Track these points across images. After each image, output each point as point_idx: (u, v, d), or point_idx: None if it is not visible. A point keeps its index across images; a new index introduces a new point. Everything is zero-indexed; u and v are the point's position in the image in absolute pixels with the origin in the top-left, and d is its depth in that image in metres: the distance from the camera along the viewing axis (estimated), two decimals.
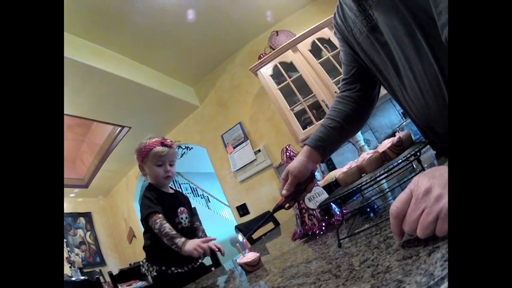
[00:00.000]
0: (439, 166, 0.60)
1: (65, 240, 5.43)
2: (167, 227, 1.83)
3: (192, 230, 2.14)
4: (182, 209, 2.10)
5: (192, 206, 2.38)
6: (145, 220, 1.91)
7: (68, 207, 5.90)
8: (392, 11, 0.98)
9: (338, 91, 3.31)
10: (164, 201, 2.02)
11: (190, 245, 1.76)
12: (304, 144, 1.31)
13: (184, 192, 8.65)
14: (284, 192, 1.18)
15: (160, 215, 1.87)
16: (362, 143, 3.10)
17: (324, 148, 1.29)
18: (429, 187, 0.55)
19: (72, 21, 3.30)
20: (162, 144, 2.10)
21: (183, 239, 1.80)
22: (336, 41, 3.75)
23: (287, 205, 1.21)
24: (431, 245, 0.53)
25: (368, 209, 1.13)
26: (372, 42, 1.15)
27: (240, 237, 1.58)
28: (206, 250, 1.81)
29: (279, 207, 1.21)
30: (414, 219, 0.55)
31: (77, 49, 3.41)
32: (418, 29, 0.93)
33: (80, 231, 6.06)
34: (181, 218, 2.05)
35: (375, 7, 1.04)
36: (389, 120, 3.92)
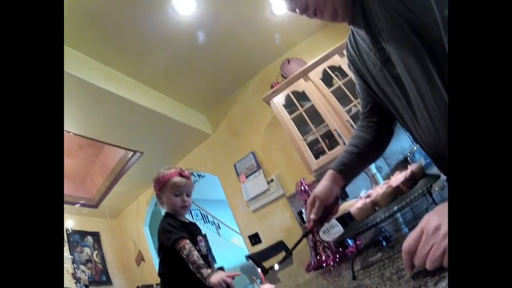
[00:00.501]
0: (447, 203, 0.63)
1: (71, 256, 5.42)
2: (195, 254, 1.86)
3: (210, 259, 2.16)
4: (200, 237, 2.14)
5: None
6: (171, 245, 1.92)
7: (76, 225, 5.88)
8: (405, 43, 0.99)
9: (349, 119, 3.36)
10: (184, 230, 2.05)
11: (216, 277, 1.78)
12: (328, 168, 1.33)
13: (194, 218, 8.68)
14: (313, 216, 1.20)
15: (188, 241, 1.91)
16: (374, 170, 3.12)
17: (347, 172, 1.32)
18: (438, 224, 0.60)
19: (86, 42, 3.40)
20: (180, 175, 2.16)
21: (209, 270, 1.83)
22: (347, 70, 3.81)
23: (316, 229, 1.24)
24: (437, 275, 0.57)
25: (381, 238, 1.15)
26: (385, 75, 1.17)
27: (258, 270, 1.59)
28: (230, 284, 1.82)
29: (308, 232, 1.26)
30: (424, 254, 0.59)
31: (90, 70, 3.48)
32: (430, 61, 0.94)
33: (87, 250, 6.04)
34: (201, 246, 2.08)
35: (388, 40, 1.06)
36: (400, 146, 3.92)
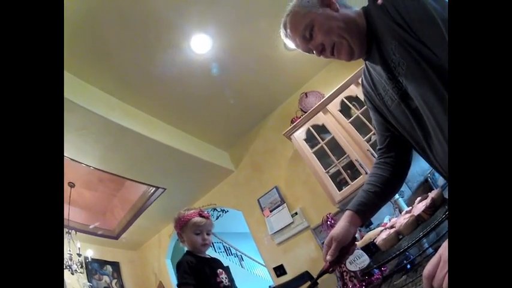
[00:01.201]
0: None
1: (89, 284, 5.46)
2: None
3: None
4: (221, 270, 2.20)
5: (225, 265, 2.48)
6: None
7: (95, 254, 5.90)
8: (422, 77, 1.02)
9: (370, 148, 3.38)
10: (204, 265, 2.14)
11: None
12: (346, 209, 1.37)
13: (217, 251, 8.65)
14: (328, 257, 1.23)
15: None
16: (396, 196, 3.11)
17: (365, 212, 1.34)
18: None
19: (105, 79, 3.53)
20: (200, 215, 2.26)
21: None
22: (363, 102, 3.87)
23: (331, 269, 1.26)
24: None
25: (405, 262, 1.19)
26: (403, 109, 1.20)
27: None
28: None
29: (324, 272, 1.27)
30: (441, 277, 0.66)
31: (110, 108, 3.58)
32: (445, 89, 0.97)
33: (106, 278, 6.03)
34: (222, 278, 2.14)
35: (405, 75, 1.08)
36: (420, 167, 3.88)
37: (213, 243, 9.28)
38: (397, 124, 1.32)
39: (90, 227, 6.01)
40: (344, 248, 1.26)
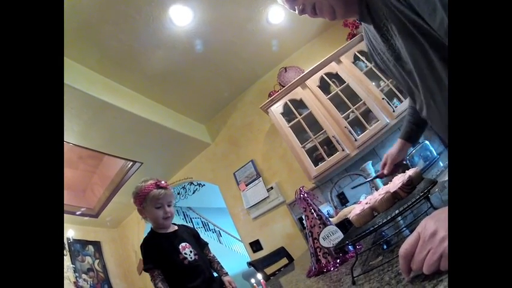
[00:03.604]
0: (444, 208, 0.65)
1: (73, 265, 5.40)
2: (159, 283, 1.92)
3: (202, 263, 2.14)
4: (184, 244, 2.12)
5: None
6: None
7: (76, 235, 5.82)
8: (413, 43, 1.01)
9: (347, 126, 3.42)
10: (163, 243, 2.07)
11: None
12: (398, 138, 1.77)
13: (195, 227, 8.66)
14: (386, 172, 1.73)
15: (156, 272, 1.95)
16: (373, 175, 3.12)
17: (411, 137, 1.74)
18: (435, 230, 0.61)
19: (86, 54, 3.43)
20: (158, 186, 2.13)
21: None
22: (345, 77, 3.85)
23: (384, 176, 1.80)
24: (435, 279, 0.58)
25: (381, 242, 1.17)
26: (400, 71, 1.21)
27: (258, 275, 1.61)
28: None
29: (377, 177, 1.88)
30: (421, 259, 0.61)
31: (90, 82, 3.50)
32: (437, 61, 0.97)
33: (89, 258, 5.98)
34: (185, 254, 2.06)
35: (397, 38, 1.09)
36: None
37: (191, 219, 9.29)
38: (398, 83, 1.36)
39: (77, 213, 5.93)
40: (396, 165, 1.75)
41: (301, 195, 1.53)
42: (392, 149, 1.76)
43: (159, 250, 2.00)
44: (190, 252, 2.08)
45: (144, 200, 2.08)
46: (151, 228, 2.17)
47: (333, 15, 1.22)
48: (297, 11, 1.27)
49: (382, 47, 1.22)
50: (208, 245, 2.35)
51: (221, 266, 2.27)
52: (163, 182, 2.18)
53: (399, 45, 1.10)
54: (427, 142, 3.60)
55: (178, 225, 2.28)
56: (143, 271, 1.95)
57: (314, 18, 1.29)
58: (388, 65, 1.28)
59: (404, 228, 1.17)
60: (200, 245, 2.25)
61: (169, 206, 2.15)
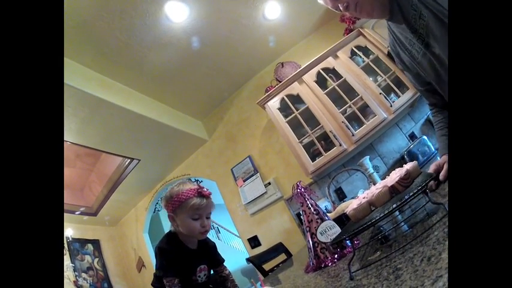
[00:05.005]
0: None
1: (72, 265, 5.40)
2: None
3: (208, 282, 1.94)
4: (203, 266, 1.86)
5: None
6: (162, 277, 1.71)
7: (75, 233, 5.84)
8: (439, 22, 1.17)
9: (345, 120, 3.41)
10: (184, 259, 1.77)
11: None
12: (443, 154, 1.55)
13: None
14: (441, 178, 1.42)
15: (175, 281, 1.67)
16: (371, 170, 3.11)
17: None
18: None
19: (82, 51, 3.41)
20: (200, 194, 1.75)
21: None
22: (343, 72, 3.83)
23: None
24: (434, 275, 0.57)
25: (379, 237, 1.17)
26: (429, 58, 1.33)
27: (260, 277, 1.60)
28: None
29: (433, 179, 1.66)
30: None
31: (86, 80, 3.49)
32: None
33: (88, 257, 5.98)
34: (199, 276, 1.84)
35: (426, 26, 1.24)
36: (397, 144, 3.96)
37: None
38: (425, 75, 1.45)
39: (76, 213, 5.92)
40: None
41: (298, 190, 1.52)
42: (441, 160, 1.52)
43: (179, 265, 1.73)
44: (204, 275, 1.88)
45: (179, 207, 1.72)
46: (174, 233, 1.84)
47: (371, 14, 1.38)
48: (341, 8, 1.37)
49: (411, 39, 1.36)
50: (224, 262, 2.11)
51: (235, 284, 2.06)
52: (205, 190, 1.80)
53: (428, 32, 1.25)
54: (424, 137, 3.61)
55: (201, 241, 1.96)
56: (161, 276, 1.67)
57: (353, 16, 1.43)
58: (417, 57, 1.41)
59: (402, 223, 1.17)
60: (216, 263, 1.99)
61: (207, 218, 1.81)
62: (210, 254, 1.96)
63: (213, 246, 2.03)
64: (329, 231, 1.38)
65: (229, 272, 2.01)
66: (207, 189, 1.81)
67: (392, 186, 1.17)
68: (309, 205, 1.49)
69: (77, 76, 3.39)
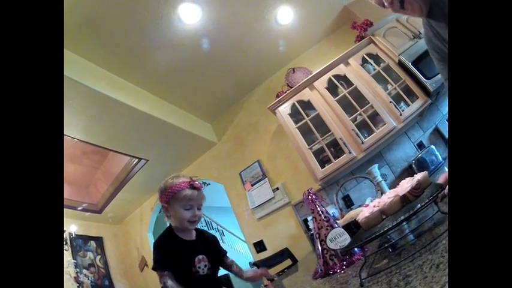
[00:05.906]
0: None
1: (74, 261, 5.41)
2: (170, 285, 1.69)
3: (213, 278, 1.96)
4: (201, 257, 1.87)
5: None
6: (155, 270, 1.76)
7: (79, 230, 5.85)
8: None
9: (355, 128, 3.43)
10: (180, 251, 1.83)
11: None
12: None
13: (199, 226, 8.58)
14: None
15: (166, 272, 1.70)
16: (379, 178, 3.10)
17: None
18: None
19: (93, 50, 3.44)
20: (191, 186, 1.86)
21: None
22: (353, 79, 3.84)
23: None
24: (443, 281, 0.59)
25: (387, 245, 1.18)
26: None
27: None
28: None
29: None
30: None
31: (96, 78, 3.50)
32: None
33: (90, 254, 5.99)
34: (199, 267, 1.83)
35: None
36: (405, 153, 3.96)
37: None
38: None
39: (79, 208, 5.95)
40: None
41: (310, 197, 1.54)
42: None
43: (174, 257, 1.78)
44: (205, 266, 1.86)
45: (172, 197, 1.83)
46: (169, 228, 1.93)
47: (421, 11, 1.40)
48: (386, 4, 1.40)
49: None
50: (227, 254, 2.15)
51: (240, 268, 2.12)
52: (197, 182, 1.92)
53: None
54: (432, 147, 3.60)
55: (198, 231, 2.08)
56: (155, 270, 1.71)
57: (396, 12, 1.43)
58: None
59: (410, 233, 1.18)
60: (218, 255, 2.04)
61: (199, 209, 1.91)
62: (209, 246, 2.00)
63: (213, 239, 2.11)
64: (339, 238, 1.39)
65: (231, 259, 2.11)
66: (199, 182, 1.93)
67: (403, 195, 1.18)
68: (320, 212, 1.51)
69: (87, 74, 3.41)
